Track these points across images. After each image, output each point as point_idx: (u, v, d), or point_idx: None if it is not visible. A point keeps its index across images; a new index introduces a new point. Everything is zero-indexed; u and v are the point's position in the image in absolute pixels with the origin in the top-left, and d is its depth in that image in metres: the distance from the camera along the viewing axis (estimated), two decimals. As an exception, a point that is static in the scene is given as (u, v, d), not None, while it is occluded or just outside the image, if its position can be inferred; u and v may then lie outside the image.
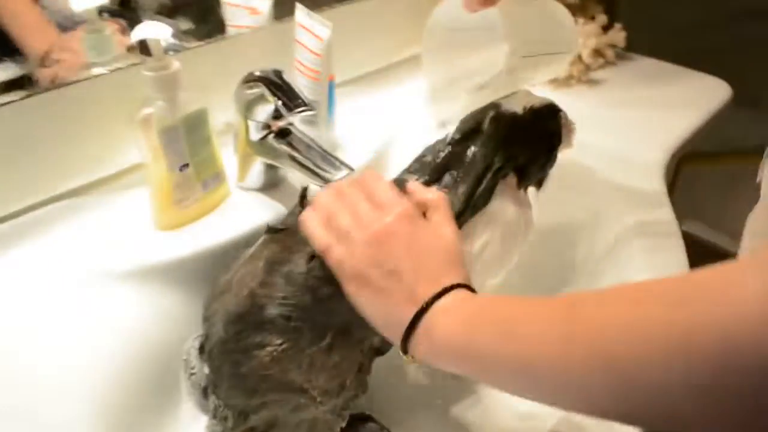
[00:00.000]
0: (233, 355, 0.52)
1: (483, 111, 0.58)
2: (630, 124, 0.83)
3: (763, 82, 0.95)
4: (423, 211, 0.50)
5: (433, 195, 0.51)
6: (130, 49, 0.67)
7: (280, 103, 0.56)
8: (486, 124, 0.56)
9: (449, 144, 0.57)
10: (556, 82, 0.94)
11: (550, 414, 0.54)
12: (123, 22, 0.69)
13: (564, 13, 0.75)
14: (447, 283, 0.45)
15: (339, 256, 0.47)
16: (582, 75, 0.95)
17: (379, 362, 0.56)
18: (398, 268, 0.45)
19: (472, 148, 0.56)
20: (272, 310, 0.51)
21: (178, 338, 0.59)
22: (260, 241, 0.55)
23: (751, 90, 0.94)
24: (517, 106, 0.56)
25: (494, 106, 0.57)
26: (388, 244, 0.46)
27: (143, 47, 0.54)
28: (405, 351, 0.45)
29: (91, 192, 0.67)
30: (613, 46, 0.98)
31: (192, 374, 0.58)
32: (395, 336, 0.45)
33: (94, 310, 0.56)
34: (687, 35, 1.01)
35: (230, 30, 0.76)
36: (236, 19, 0.76)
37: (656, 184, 0.74)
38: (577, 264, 0.73)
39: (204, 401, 0.57)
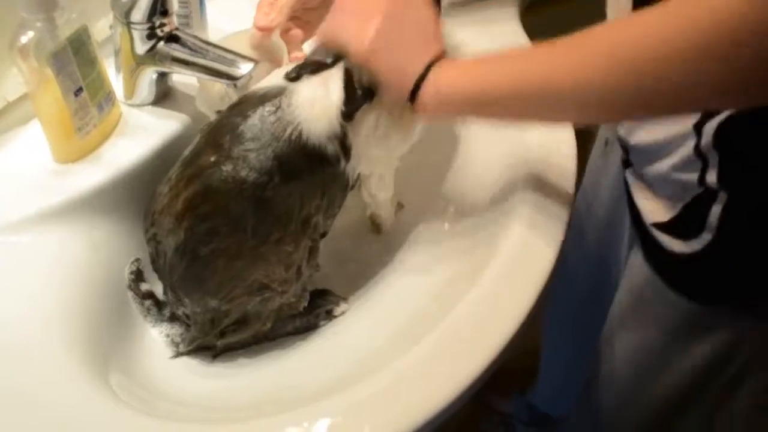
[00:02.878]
0: (192, 266, 0.53)
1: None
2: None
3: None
4: None
5: None
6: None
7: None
8: None
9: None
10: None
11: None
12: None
13: None
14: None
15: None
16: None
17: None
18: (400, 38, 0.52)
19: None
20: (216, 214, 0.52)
21: (119, 266, 0.58)
22: (192, 144, 0.55)
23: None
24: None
25: None
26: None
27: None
28: (412, 100, 0.52)
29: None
30: None
31: (143, 300, 0.58)
32: (405, 90, 0.51)
33: (23, 259, 0.54)
34: None
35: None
36: None
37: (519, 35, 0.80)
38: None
39: (161, 316, 0.59)
